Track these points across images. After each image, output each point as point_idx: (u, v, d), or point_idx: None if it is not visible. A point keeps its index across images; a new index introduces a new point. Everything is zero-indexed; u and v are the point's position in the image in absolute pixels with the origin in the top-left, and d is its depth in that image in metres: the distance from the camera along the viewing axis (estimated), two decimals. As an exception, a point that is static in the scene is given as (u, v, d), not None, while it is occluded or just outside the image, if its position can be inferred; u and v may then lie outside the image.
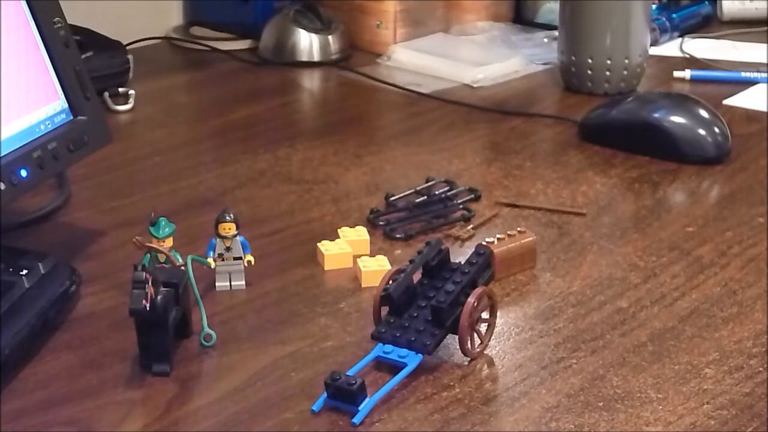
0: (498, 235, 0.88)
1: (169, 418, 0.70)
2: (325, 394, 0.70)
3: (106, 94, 1.26)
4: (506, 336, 0.80)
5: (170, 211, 0.88)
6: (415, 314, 0.77)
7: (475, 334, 0.77)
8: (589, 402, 0.72)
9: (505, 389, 0.74)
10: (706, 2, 1.65)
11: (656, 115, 1.13)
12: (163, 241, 0.81)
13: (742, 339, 0.79)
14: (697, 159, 1.11)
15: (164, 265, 0.80)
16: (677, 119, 1.12)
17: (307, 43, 1.44)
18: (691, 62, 1.46)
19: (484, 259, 0.80)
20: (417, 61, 1.42)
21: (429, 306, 0.76)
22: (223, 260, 0.85)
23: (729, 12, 1.65)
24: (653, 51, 1.44)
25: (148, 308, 0.71)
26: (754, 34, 1.57)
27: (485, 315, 0.78)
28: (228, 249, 0.84)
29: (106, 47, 1.31)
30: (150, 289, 0.71)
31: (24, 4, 0.87)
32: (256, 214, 0.99)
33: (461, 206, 1.00)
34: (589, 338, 0.80)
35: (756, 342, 0.79)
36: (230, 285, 0.86)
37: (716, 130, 1.12)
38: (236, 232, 0.84)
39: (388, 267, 0.86)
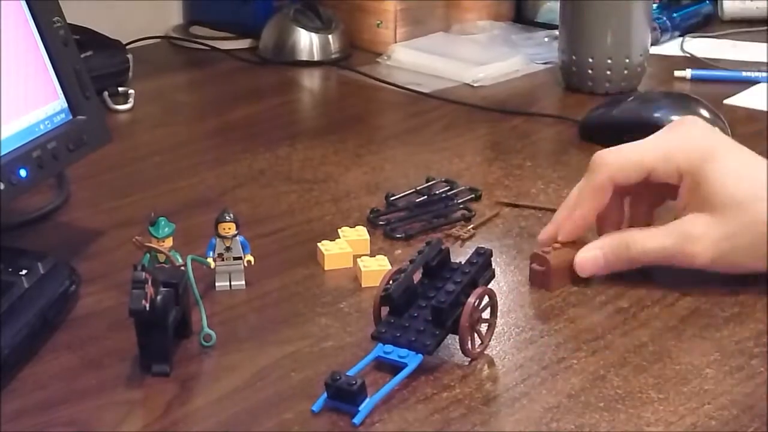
0: (555, 245, 0.86)
1: (169, 418, 0.70)
2: (325, 395, 0.70)
3: (106, 93, 1.26)
4: (507, 336, 0.80)
5: (170, 211, 0.88)
6: (416, 314, 0.77)
7: (476, 335, 0.77)
8: (589, 402, 0.72)
9: (505, 389, 0.74)
10: (707, 1, 1.65)
11: (657, 114, 1.13)
12: (163, 241, 0.81)
13: (743, 339, 0.79)
14: (697, 158, 1.11)
15: (164, 265, 0.80)
16: (678, 119, 1.12)
17: (307, 42, 1.44)
18: (692, 62, 1.45)
19: (484, 259, 0.79)
20: (417, 60, 1.42)
21: (429, 306, 0.76)
22: (223, 260, 0.85)
23: (730, 11, 1.64)
24: (654, 50, 1.43)
25: (147, 308, 0.71)
26: (755, 33, 1.57)
27: (486, 315, 0.78)
28: (228, 249, 0.84)
29: (106, 47, 1.31)
30: (150, 289, 0.71)
31: (23, 4, 0.87)
32: (256, 213, 0.99)
33: (461, 206, 1.00)
34: (589, 338, 0.79)
35: (757, 342, 0.79)
36: (230, 285, 0.86)
37: (717, 129, 1.12)
38: (236, 232, 0.84)
39: (388, 267, 0.86)
